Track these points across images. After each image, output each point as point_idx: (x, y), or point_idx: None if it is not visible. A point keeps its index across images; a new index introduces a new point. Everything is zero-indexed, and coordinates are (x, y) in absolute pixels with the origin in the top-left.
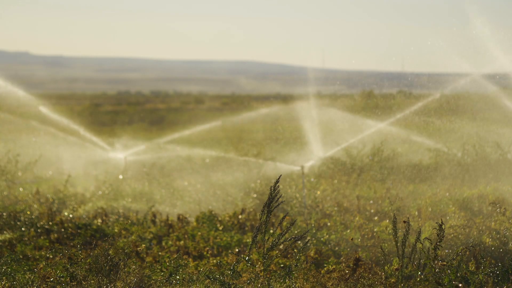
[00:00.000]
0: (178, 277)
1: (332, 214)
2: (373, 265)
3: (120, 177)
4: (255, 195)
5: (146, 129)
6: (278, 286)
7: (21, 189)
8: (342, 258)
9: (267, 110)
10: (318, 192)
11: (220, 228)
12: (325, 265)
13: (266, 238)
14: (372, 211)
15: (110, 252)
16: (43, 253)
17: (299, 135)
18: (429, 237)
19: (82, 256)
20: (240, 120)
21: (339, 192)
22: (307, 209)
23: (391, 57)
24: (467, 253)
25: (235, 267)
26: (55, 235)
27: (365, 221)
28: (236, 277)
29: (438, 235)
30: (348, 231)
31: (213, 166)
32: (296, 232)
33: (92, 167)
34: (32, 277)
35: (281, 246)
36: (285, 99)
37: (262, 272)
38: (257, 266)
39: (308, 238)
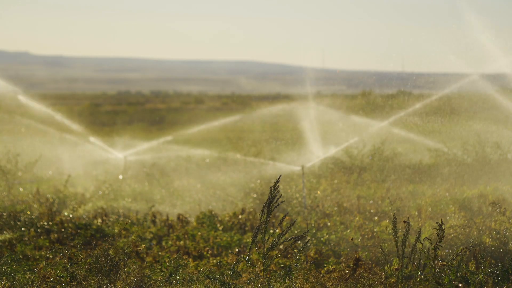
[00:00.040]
0: (178, 277)
1: (332, 214)
2: (373, 265)
3: (120, 177)
4: (255, 195)
5: (146, 129)
6: (278, 286)
7: (21, 189)
8: (342, 258)
9: (266, 110)
10: (318, 192)
11: (220, 228)
12: (325, 265)
13: (266, 238)
14: (372, 211)
15: (110, 252)
16: (43, 253)
17: (299, 135)
18: (429, 237)
19: (82, 256)
20: (240, 121)
21: (339, 192)
22: (307, 209)
23: (391, 57)
24: (467, 253)
25: (235, 267)
26: (55, 235)
27: (365, 221)
28: (236, 277)
29: (438, 235)
30: (348, 231)
31: (213, 166)
32: (296, 232)
33: (92, 167)
34: (32, 277)
35: (281, 246)
36: (284, 99)
37: (262, 272)
38: (257, 266)
39: (308, 238)
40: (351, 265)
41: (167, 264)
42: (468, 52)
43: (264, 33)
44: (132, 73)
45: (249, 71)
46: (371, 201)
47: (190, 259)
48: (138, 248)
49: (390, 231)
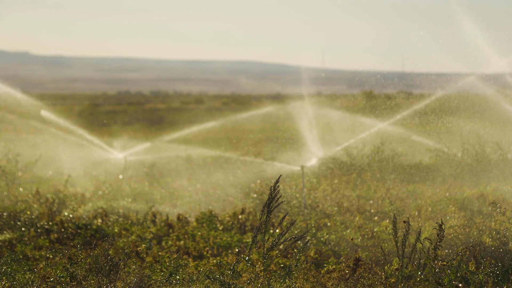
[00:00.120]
0: (178, 277)
1: (332, 214)
2: (373, 265)
3: (120, 177)
4: (255, 195)
5: (146, 129)
6: (278, 286)
7: (21, 189)
8: (342, 258)
9: (265, 110)
10: (318, 192)
11: (220, 228)
12: (325, 265)
13: (266, 238)
14: (372, 211)
15: (110, 252)
16: (43, 253)
17: (299, 135)
18: (429, 237)
19: (82, 256)
20: (237, 120)
21: (339, 192)
22: (307, 209)
23: (391, 57)
24: (467, 253)
25: (235, 267)
26: (55, 235)
27: (365, 221)
28: (236, 277)
29: (438, 235)
30: (348, 231)
31: (213, 166)
32: (296, 232)
33: (92, 167)
34: (32, 277)
35: (281, 246)
36: (282, 99)
37: (262, 272)
38: (257, 266)
39: (308, 238)
40: (351, 265)
41: (167, 264)
42: (464, 53)
43: (264, 33)
44: (132, 73)
45: (249, 71)
46: (371, 201)
47: (190, 259)
48: (138, 248)
49: (390, 231)
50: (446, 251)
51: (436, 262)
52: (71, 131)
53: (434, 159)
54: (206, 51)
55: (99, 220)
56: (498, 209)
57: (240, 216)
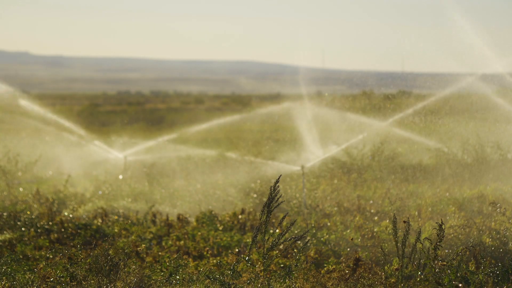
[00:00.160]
0: (178, 277)
1: (332, 214)
2: (373, 265)
3: (120, 177)
4: (255, 195)
5: (146, 129)
6: (278, 286)
7: (21, 189)
8: (342, 258)
9: (264, 110)
10: (318, 192)
11: (220, 228)
12: (325, 265)
13: (266, 238)
14: (372, 211)
15: (110, 252)
16: (43, 253)
17: (299, 135)
18: (429, 237)
19: (82, 256)
20: (238, 120)
21: (339, 192)
22: (307, 209)
23: (391, 57)
24: (467, 253)
25: (235, 267)
26: (55, 235)
27: (365, 221)
28: (236, 277)
29: (438, 235)
30: (348, 231)
31: (213, 166)
32: (296, 232)
33: (92, 167)
34: (32, 277)
35: (281, 246)
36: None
37: (262, 272)
38: (257, 266)
39: (308, 238)
40: (351, 265)
41: (167, 264)
42: (464, 53)
43: (264, 33)
44: (132, 73)
45: (249, 71)
46: (371, 201)
47: (190, 259)
48: (138, 248)
49: (390, 231)
50: (446, 251)
51: (436, 262)
52: (71, 130)
53: (434, 159)
54: (206, 51)
55: (99, 220)
56: (498, 209)
57: (240, 216)
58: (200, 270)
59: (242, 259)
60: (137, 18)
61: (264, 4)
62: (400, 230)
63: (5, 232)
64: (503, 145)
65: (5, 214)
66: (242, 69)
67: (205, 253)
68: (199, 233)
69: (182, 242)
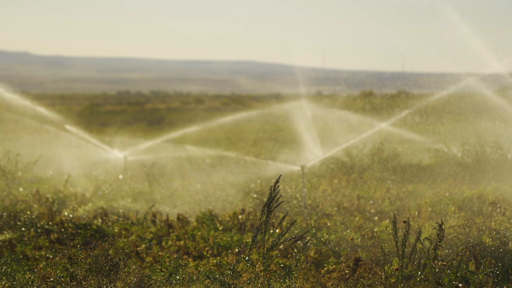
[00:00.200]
0: (178, 277)
1: (332, 214)
2: (373, 265)
3: (120, 177)
4: (255, 195)
5: (146, 129)
6: (278, 286)
7: (21, 189)
8: (342, 258)
9: (262, 110)
10: (318, 192)
11: (220, 228)
12: (325, 265)
13: (266, 238)
14: (372, 211)
15: (110, 252)
16: (43, 253)
17: (299, 135)
18: (429, 237)
19: (82, 256)
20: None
21: (339, 192)
22: (307, 209)
23: (391, 57)
24: (467, 253)
25: (235, 267)
26: (55, 235)
27: (365, 221)
28: (236, 277)
29: (438, 235)
30: (348, 231)
31: (213, 166)
32: (296, 232)
33: (92, 167)
34: (32, 277)
35: (281, 246)
36: (282, 98)
37: (262, 272)
38: (257, 266)
39: (308, 238)
40: (351, 265)
41: (167, 264)
42: (463, 54)
43: (264, 33)
44: (132, 73)
45: (249, 71)
46: (371, 201)
47: (190, 259)
48: (138, 248)
49: (390, 231)
50: (446, 251)
51: (436, 262)
52: (79, 136)
53: (434, 159)
54: (206, 51)
55: (99, 220)
56: (498, 209)
57: (240, 216)
58: (200, 270)
59: (242, 259)
60: (137, 18)
61: (264, 4)
62: (400, 230)
63: (5, 232)
64: (503, 145)
65: (5, 214)
66: (242, 69)
67: (205, 253)
68: (199, 233)
69: (182, 242)
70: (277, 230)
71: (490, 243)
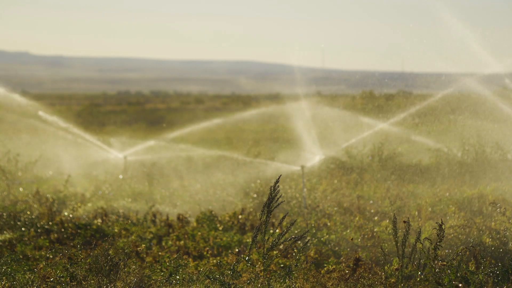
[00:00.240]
0: (178, 277)
1: (332, 214)
2: (373, 265)
3: (120, 177)
4: (255, 195)
5: (146, 129)
6: (278, 286)
7: (21, 189)
8: (342, 258)
9: (264, 110)
10: (318, 192)
11: (220, 228)
12: (325, 265)
13: (266, 238)
14: (372, 211)
15: (110, 252)
16: (43, 253)
17: (299, 135)
18: (429, 237)
19: (82, 256)
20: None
21: (339, 192)
22: (307, 209)
23: (391, 57)
24: (467, 253)
25: (235, 267)
26: (55, 235)
27: (365, 221)
28: (236, 277)
29: (438, 235)
30: (348, 231)
31: (213, 166)
32: (296, 232)
33: (92, 167)
34: (32, 277)
35: (281, 246)
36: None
37: (262, 272)
38: (257, 266)
39: (308, 238)
40: (351, 265)
41: (167, 264)
42: (463, 54)
43: (264, 33)
44: (132, 73)
45: (249, 71)
46: (371, 201)
47: (190, 259)
48: (138, 248)
49: (390, 231)
50: (446, 251)
51: (436, 262)
52: (72, 132)
53: (434, 159)
54: (206, 51)
55: (99, 220)
56: (498, 209)
57: (240, 216)
58: (200, 270)
59: (242, 259)
60: (137, 18)
61: (264, 4)
62: (400, 230)
63: (5, 232)
64: (503, 145)
65: (5, 214)
66: (242, 69)
67: (205, 253)
68: (199, 233)
69: (182, 242)
70: (277, 230)
71: (490, 243)
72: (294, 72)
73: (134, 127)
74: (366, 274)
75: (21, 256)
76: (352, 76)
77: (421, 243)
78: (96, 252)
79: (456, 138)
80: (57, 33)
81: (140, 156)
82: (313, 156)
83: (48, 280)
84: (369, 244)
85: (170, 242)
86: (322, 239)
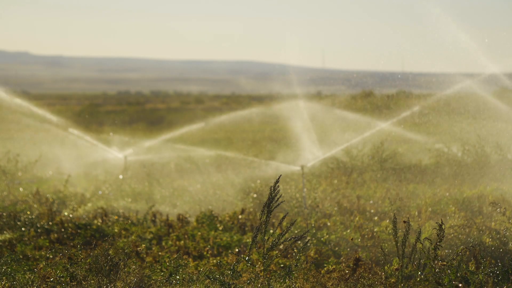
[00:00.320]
0: (178, 277)
1: (332, 214)
2: (373, 265)
3: (120, 177)
4: (255, 195)
5: (146, 129)
6: (278, 286)
7: (21, 189)
8: (342, 258)
9: (260, 110)
10: (318, 192)
11: (220, 228)
12: (325, 265)
13: (266, 238)
14: (372, 211)
15: (110, 252)
16: (43, 253)
17: (299, 135)
18: (429, 237)
19: (82, 256)
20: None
21: (339, 192)
22: (307, 209)
23: (391, 57)
24: (467, 253)
25: (235, 267)
26: (55, 235)
27: (365, 221)
28: (236, 277)
29: (438, 235)
30: (348, 231)
31: (213, 166)
32: (296, 232)
33: (92, 167)
34: (32, 277)
35: (281, 246)
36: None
37: (262, 272)
38: (257, 266)
39: (308, 238)
40: (351, 265)
41: (167, 264)
42: (461, 54)
43: (264, 33)
44: (132, 73)
45: (249, 71)
46: (371, 201)
47: (190, 259)
48: (138, 248)
49: (390, 231)
50: (446, 251)
51: (436, 262)
52: (73, 133)
53: (434, 159)
54: (205, 51)
55: (99, 220)
56: (498, 209)
57: (240, 216)
58: (200, 270)
59: (242, 259)
60: (137, 18)
61: (264, 4)
62: (400, 230)
63: (5, 232)
64: (503, 145)
65: (5, 214)
66: (242, 69)
67: (205, 253)
68: (199, 233)
69: (182, 242)
70: (277, 230)
71: (490, 243)
72: (290, 72)
73: (134, 127)
74: (366, 274)
75: (21, 256)
76: (352, 76)
77: (421, 243)
78: (96, 252)
79: (456, 138)
80: (57, 33)
81: (140, 156)
82: (313, 156)
83: (48, 280)
84: (369, 244)
85: (170, 242)
86: (322, 239)
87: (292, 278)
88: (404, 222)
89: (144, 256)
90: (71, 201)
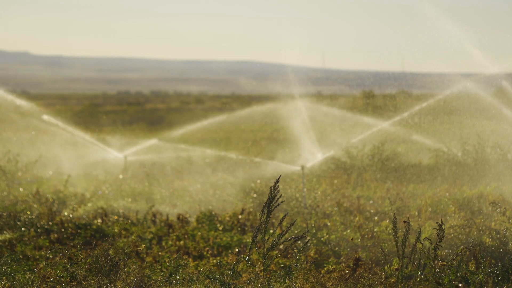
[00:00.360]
0: (178, 277)
1: (332, 214)
2: (373, 265)
3: (120, 177)
4: (255, 195)
5: (146, 129)
6: (278, 286)
7: (21, 189)
8: (342, 258)
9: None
10: (318, 192)
11: (220, 228)
12: (325, 265)
13: (266, 238)
14: (372, 211)
15: (110, 252)
16: (43, 253)
17: (299, 135)
18: (429, 237)
19: (82, 256)
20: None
21: (339, 192)
22: (307, 209)
23: (391, 57)
24: (467, 253)
25: (235, 267)
26: (55, 235)
27: (365, 221)
28: (236, 277)
29: (438, 235)
30: (348, 231)
31: (213, 166)
32: (296, 232)
33: (92, 167)
34: (32, 277)
35: (281, 246)
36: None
37: (262, 272)
38: (257, 266)
39: (308, 238)
40: (351, 265)
41: (167, 264)
42: (462, 54)
43: (264, 33)
44: (132, 73)
45: (249, 71)
46: (371, 201)
47: (190, 259)
48: (138, 248)
49: (390, 231)
50: (446, 251)
51: (436, 262)
52: (72, 133)
53: (434, 159)
54: (205, 51)
55: (99, 220)
56: (498, 209)
57: (240, 216)
58: (200, 270)
59: (242, 259)
60: (137, 18)
61: (264, 4)
62: (400, 230)
63: (5, 232)
64: (503, 145)
65: (5, 214)
66: (242, 69)
67: (205, 253)
68: (199, 233)
69: (182, 242)
70: (277, 230)
71: (490, 243)
72: (290, 72)
73: (134, 127)
74: (366, 274)
75: (21, 256)
76: (352, 76)
77: (421, 243)
78: (96, 252)
79: (456, 138)
80: (57, 33)
81: (140, 156)
82: (313, 156)
83: (48, 280)
84: (369, 244)
85: (170, 242)
86: (322, 239)
87: (292, 278)
88: (404, 222)
89: (144, 256)
90: (71, 201)
